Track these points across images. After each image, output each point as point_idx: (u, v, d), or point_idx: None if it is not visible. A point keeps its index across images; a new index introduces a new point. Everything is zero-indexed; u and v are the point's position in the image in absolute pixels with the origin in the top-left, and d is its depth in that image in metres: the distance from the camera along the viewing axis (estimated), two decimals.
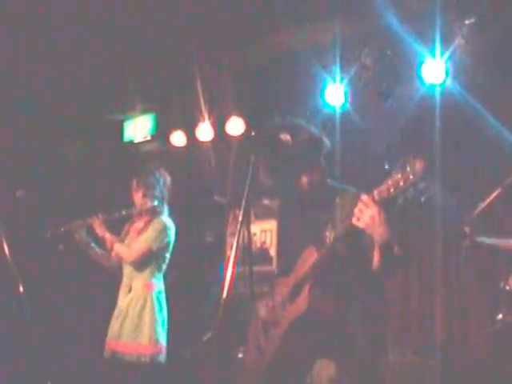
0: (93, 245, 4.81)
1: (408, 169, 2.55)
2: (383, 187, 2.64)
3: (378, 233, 2.71)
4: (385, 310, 3.11)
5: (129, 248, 4.69)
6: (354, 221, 2.72)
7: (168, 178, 4.84)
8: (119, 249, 4.69)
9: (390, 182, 2.61)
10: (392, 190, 2.60)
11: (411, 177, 2.54)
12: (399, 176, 2.57)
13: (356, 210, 2.72)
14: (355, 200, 2.78)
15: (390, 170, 2.61)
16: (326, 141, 3.09)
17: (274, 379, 3.03)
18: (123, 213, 4.80)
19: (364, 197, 2.72)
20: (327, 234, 2.88)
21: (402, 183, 2.56)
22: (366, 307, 2.93)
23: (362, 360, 2.91)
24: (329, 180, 3.12)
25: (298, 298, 2.93)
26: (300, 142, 2.99)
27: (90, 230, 4.80)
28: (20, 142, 6.32)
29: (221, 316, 2.71)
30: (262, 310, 3.21)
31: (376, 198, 2.66)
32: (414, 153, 2.61)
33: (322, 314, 2.90)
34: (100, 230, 4.73)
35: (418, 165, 2.53)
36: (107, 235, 4.72)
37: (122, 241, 4.78)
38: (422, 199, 2.64)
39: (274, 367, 3.02)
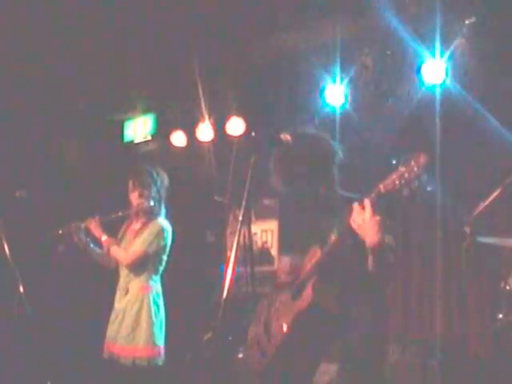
0: (92, 246, 4.77)
1: (412, 162, 2.63)
2: (388, 181, 2.70)
3: (370, 236, 2.73)
4: (384, 309, 3.11)
5: (125, 251, 4.66)
6: (352, 222, 2.77)
7: (165, 178, 4.78)
8: (115, 252, 4.66)
9: (394, 175, 2.68)
10: (397, 182, 2.66)
11: (415, 169, 2.62)
12: (403, 169, 2.65)
13: (354, 213, 2.76)
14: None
15: (396, 165, 2.70)
16: (340, 152, 3.20)
17: (276, 379, 3.05)
18: (120, 214, 4.79)
19: (363, 200, 2.76)
20: (332, 237, 2.94)
21: (406, 175, 2.64)
22: (367, 306, 2.96)
23: (363, 359, 2.92)
24: (338, 189, 3.19)
25: (303, 293, 2.96)
26: (315, 154, 3.11)
27: (89, 232, 4.78)
28: (20, 142, 6.32)
29: (221, 316, 2.71)
30: (264, 310, 3.22)
31: (382, 191, 2.71)
32: (416, 150, 2.69)
33: (325, 308, 2.93)
34: (96, 232, 4.69)
35: (422, 158, 2.63)
36: (104, 237, 4.67)
37: (119, 241, 4.77)
38: (428, 189, 2.71)
39: (275, 367, 3.04)
